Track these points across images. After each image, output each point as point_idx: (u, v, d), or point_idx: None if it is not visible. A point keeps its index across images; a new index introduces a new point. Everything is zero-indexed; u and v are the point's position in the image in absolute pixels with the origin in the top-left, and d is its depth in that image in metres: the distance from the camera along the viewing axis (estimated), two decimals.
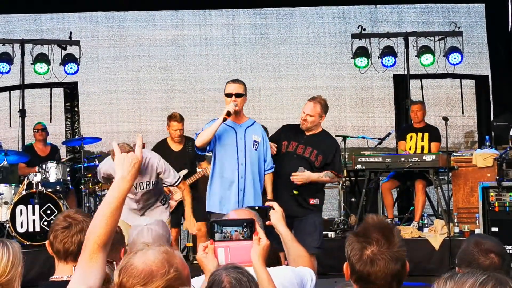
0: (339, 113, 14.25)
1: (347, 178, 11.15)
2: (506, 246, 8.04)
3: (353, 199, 11.16)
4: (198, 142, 7.11)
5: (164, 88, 14.11)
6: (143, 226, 3.71)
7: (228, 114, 7.01)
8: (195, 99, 13.99)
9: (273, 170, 7.42)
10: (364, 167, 10.12)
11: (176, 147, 9.35)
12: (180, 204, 9.27)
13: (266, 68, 14.15)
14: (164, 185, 8.16)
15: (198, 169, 9.38)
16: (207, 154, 10.03)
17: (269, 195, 7.33)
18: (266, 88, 14.06)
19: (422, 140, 10.56)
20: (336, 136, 11.70)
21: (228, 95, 7.21)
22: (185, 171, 9.24)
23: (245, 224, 3.08)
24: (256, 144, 7.23)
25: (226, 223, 3.11)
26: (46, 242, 3.77)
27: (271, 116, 13.69)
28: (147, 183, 7.77)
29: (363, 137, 12.18)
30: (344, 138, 11.15)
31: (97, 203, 11.04)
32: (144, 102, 14.05)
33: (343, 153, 10.76)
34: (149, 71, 14.10)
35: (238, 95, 7.16)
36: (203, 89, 14.08)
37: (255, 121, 7.47)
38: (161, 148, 9.42)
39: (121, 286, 2.56)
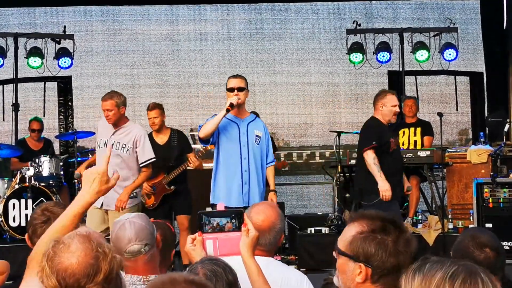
0: (334, 109, 14.27)
1: (341, 174, 11.08)
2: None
3: (347, 195, 11.03)
4: (201, 134, 7.22)
5: (158, 83, 14.06)
6: (125, 220, 3.60)
7: (231, 106, 7.10)
8: (190, 94, 13.96)
9: (274, 163, 7.57)
10: None
11: (160, 139, 9.36)
12: (166, 198, 9.28)
13: (260, 64, 14.13)
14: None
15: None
16: (196, 147, 10.08)
17: (272, 186, 7.49)
18: (261, 84, 14.03)
19: (415, 135, 10.57)
20: (330, 131, 11.73)
21: (230, 90, 7.28)
22: (169, 165, 9.26)
23: (233, 215, 3.03)
24: (258, 139, 7.33)
25: (214, 214, 3.06)
26: (26, 236, 3.72)
27: (265, 112, 13.63)
28: (123, 146, 7.99)
29: (357, 133, 12.06)
30: (339, 134, 11.05)
31: None
32: (138, 96, 13.97)
33: (337, 150, 10.75)
34: (143, 66, 14.06)
35: (240, 89, 7.25)
36: (198, 84, 14.05)
37: (256, 116, 7.61)
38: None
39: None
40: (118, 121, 8.05)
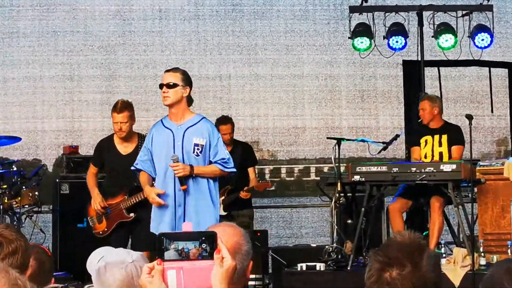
0: (333, 109, 14.36)
1: (342, 194, 11.04)
2: None
3: (349, 221, 11.10)
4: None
5: (104, 74, 14.09)
6: (129, 264, 3.67)
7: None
8: (146, 89, 13.98)
9: (221, 167, 7.74)
10: (363, 179, 10.12)
11: (124, 148, 9.31)
12: (123, 223, 9.26)
13: (238, 50, 14.21)
14: None
15: None
16: None
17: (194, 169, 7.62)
18: (238, 76, 14.13)
19: (440, 145, 10.49)
20: (327, 138, 11.74)
21: (160, 87, 7.69)
22: (132, 186, 9.19)
23: (203, 238, 3.04)
24: (198, 149, 7.63)
25: (179, 237, 3.06)
26: None
27: (244, 113, 13.85)
28: None
29: (363, 141, 12.00)
30: (338, 141, 11.02)
31: (15, 221, 11.04)
32: (79, 92, 14.04)
33: (337, 164, 10.75)
34: (85, 52, 14.08)
35: (169, 86, 7.58)
36: (156, 76, 13.62)
37: (203, 117, 7.88)
38: (105, 147, 9.47)
39: None
40: None
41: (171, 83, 7.57)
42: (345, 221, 11.17)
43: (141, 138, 9.33)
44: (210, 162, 7.67)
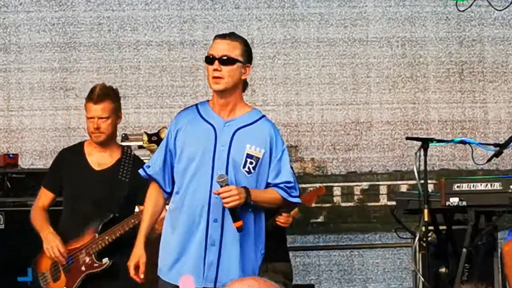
0: (415, 93, 14.33)
1: (431, 227, 11.33)
2: None
3: (442, 270, 11.31)
4: None
5: (58, 42, 14.27)
6: None
7: None
8: (122, 65, 14.12)
9: (284, 192, 7.68)
10: (465, 203, 10.38)
11: (98, 161, 9.43)
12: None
13: (265, 3, 13.99)
14: None
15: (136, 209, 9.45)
16: None
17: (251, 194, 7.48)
18: (266, 42, 14.17)
19: None
20: (407, 139, 11.68)
21: (208, 60, 7.51)
22: (108, 217, 9.24)
23: None
24: (251, 163, 7.55)
25: None
26: None
27: (274, 99, 13.92)
28: None
29: (462, 142, 11.98)
30: (425, 143, 11.16)
31: None
32: (18, 70, 14.26)
33: (422, 180, 11.05)
34: (28, 7, 14.34)
35: (225, 61, 7.44)
36: (138, 44, 14.25)
37: (263, 115, 7.89)
38: (68, 159, 9.55)
39: None
40: None
41: (228, 57, 7.43)
42: (436, 269, 11.39)
43: (126, 154, 9.46)
44: (268, 185, 7.57)
